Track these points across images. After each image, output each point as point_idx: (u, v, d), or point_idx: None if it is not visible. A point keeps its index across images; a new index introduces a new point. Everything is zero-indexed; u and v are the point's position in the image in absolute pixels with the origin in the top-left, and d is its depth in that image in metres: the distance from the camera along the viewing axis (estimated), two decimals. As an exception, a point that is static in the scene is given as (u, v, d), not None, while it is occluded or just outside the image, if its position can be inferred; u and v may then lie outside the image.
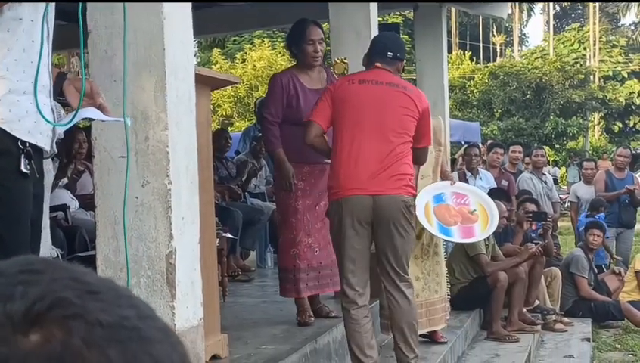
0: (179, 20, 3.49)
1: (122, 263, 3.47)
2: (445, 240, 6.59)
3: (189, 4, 3.58)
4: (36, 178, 2.92)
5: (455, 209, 6.16)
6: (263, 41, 36.25)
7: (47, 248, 3.70)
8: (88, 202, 7.10)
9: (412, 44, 9.97)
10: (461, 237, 6.28)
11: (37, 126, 2.89)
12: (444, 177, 6.32)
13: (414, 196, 5.11)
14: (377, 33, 6.83)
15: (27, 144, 2.85)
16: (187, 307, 3.51)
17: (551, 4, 53.05)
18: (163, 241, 3.42)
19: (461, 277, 7.77)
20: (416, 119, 4.92)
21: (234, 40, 36.45)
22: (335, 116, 4.84)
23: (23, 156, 2.83)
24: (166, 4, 3.37)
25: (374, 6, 6.83)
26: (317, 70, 5.71)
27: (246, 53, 36.46)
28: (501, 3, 9.93)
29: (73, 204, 6.64)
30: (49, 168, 3.75)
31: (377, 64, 5.01)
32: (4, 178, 2.82)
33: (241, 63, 35.18)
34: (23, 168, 2.81)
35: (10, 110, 2.84)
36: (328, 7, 6.91)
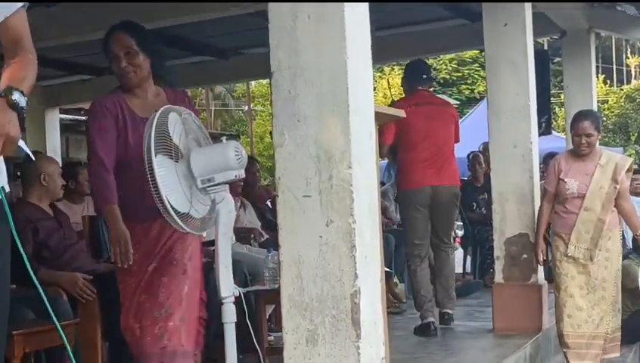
0: (361, 58, 3.49)
1: (306, 302, 3.47)
2: None
3: (369, 43, 3.57)
4: None
5: None
6: (393, 68, 36.36)
7: (230, 287, 3.71)
8: (243, 236, 7.22)
9: (559, 69, 9.82)
10: None
11: None
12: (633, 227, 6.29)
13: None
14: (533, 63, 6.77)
15: None
16: (371, 346, 3.47)
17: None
18: (348, 281, 3.39)
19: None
20: (454, 123, 7.04)
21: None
22: (402, 133, 6.69)
23: None
24: (349, 43, 3.36)
25: (529, 35, 6.71)
26: (151, 92, 4.30)
27: (376, 81, 36.62)
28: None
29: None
30: (231, 207, 3.76)
31: (420, 88, 6.94)
32: None
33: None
34: None
35: None
36: (483, 37, 6.84)
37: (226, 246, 3.75)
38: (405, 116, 4.88)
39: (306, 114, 3.44)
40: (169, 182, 3.66)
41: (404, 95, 7.11)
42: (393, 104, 7.11)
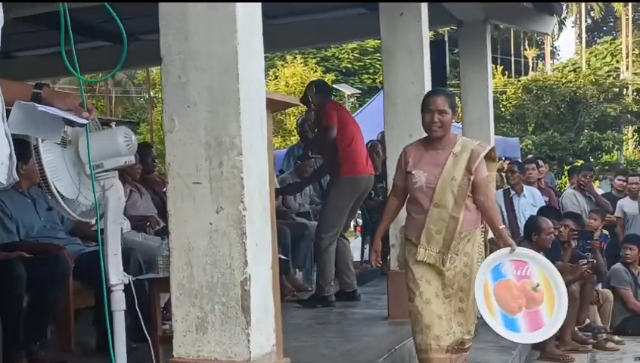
0: (252, 44, 3.47)
1: (196, 290, 3.45)
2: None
3: (260, 30, 3.55)
4: None
5: (516, 285, 4.93)
6: (295, 57, 36.41)
7: (118, 274, 3.66)
8: (139, 224, 7.11)
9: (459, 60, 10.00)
10: (528, 331, 4.88)
11: None
12: (501, 238, 5.05)
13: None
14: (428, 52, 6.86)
15: None
16: (261, 334, 3.47)
17: (583, 16, 52.87)
18: (238, 268, 3.38)
19: (513, 297, 7.61)
20: None
21: (266, 57, 36.47)
22: (340, 126, 7.58)
23: None
24: (240, 28, 3.34)
25: (425, 25, 6.79)
26: None
27: (278, 70, 36.64)
28: (547, 18, 9.86)
29: (125, 225, 6.58)
30: (120, 194, 3.71)
31: (333, 99, 8.26)
32: None
33: (274, 79, 35.30)
34: None
35: None
36: (380, 26, 6.89)
37: (115, 233, 3.70)
38: (297, 101, 5.01)
39: (196, 100, 3.41)
40: (56, 168, 3.58)
41: (318, 106, 7.91)
42: (323, 107, 7.78)
